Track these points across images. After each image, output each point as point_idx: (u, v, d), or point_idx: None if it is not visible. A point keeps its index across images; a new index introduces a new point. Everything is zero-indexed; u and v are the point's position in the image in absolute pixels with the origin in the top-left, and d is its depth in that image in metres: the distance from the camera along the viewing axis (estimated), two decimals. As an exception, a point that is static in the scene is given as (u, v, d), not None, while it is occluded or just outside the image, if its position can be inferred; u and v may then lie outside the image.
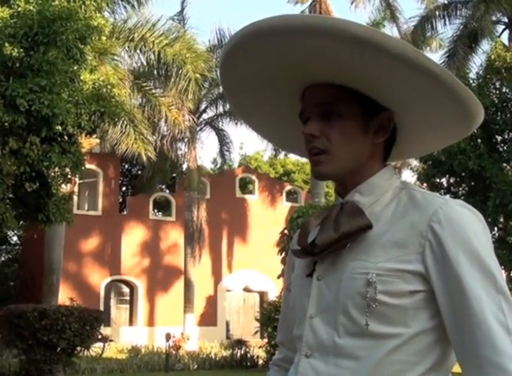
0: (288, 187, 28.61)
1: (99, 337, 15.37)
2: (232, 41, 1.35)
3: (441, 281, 1.25)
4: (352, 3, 22.57)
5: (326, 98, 1.37)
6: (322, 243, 1.33)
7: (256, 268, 25.99)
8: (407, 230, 1.29)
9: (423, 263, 1.26)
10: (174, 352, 17.15)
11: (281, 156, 30.42)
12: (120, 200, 26.87)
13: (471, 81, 14.54)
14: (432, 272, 1.26)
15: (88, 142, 17.23)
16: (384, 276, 1.26)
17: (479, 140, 14.31)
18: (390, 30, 23.10)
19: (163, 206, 27.83)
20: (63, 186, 12.00)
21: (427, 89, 1.30)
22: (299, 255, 1.42)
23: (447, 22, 20.64)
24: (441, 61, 19.68)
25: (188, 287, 22.13)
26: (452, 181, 15.11)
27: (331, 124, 1.36)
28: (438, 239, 1.26)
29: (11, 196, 10.71)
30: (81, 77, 10.89)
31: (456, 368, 1.29)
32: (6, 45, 9.63)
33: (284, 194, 27.80)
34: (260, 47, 1.32)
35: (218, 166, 26.85)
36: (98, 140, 19.42)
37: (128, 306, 24.53)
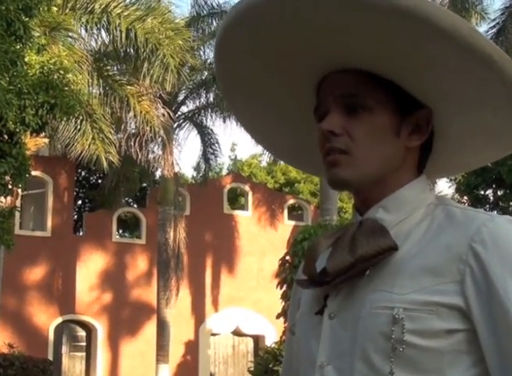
0: (291, 201, 28.62)
1: (47, 394, 15.32)
2: (236, 10, 1.36)
3: (484, 318, 1.26)
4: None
5: (350, 87, 1.38)
6: (334, 268, 1.33)
7: (249, 305, 25.94)
8: (442, 253, 1.29)
9: (463, 295, 1.27)
10: (143, 413, 17.10)
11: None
12: (75, 217, 26.82)
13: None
14: (474, 307, 1.26)
15: (34, 143, 17.23)
16: (413, 311, 1.26)
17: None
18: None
19: (130, 225, 27.74)
20: (2, 199, 11.99)
21: (479, 80, 1.32)
22: (305, 286, 1.43)
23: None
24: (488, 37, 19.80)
25: (161, 329, 22.06)
26: (500, 193, 15.15)
27: (356, 120, 1.37)
28: (481, 264, 1.27)
29: None
30: (26, 59, 10.91)
31: None
32: None
33: (286, 210, 27.81)
34: (267, 17, 1.33)
35: (201, 174, 26.86)
36: (47, 140, 19.42)
37: (83, 354, 24.43)
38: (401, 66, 1.34)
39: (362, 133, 1.36)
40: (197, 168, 35.24)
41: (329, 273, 1.34)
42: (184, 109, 24.52)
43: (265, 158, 35.43)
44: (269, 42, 1.39)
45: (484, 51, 1.27)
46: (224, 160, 44.40)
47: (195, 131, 24.58)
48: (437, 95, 1.38)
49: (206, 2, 23.05)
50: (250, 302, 25.94)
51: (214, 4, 22.97)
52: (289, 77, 1.45)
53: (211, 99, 23.75)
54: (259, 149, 45.50)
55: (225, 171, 35.47)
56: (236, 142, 55.73)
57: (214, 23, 22.52)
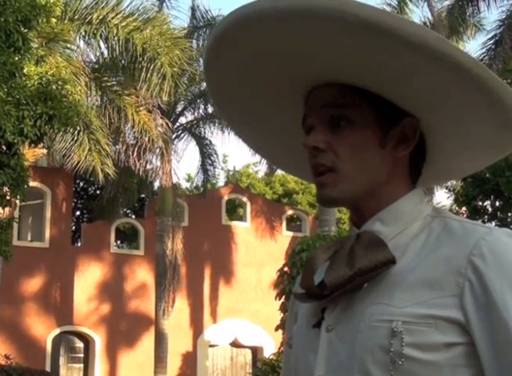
0: (289, 212, 28.62)
1: (45, 405, 15.27)
2: (219, 30, 1.38)
3: (483, 331, 1.26)
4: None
5: (333, 98, 1.39)
6: (332, 282, 1.33)
7: (247, 317, 25.89)
8: (441, 266, 1.29)
9: (462, 308, 1.27)
10: (141, 425, 17.04)
11: (279, 171, 30.44)
12: (74, 228, 26.79)
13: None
14: (473, 321, 1.26)
15: (32, 154, 17.25)
16: (412, 325, 1.26)
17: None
18: (420, 12, 23.27)
19: (128, 236, 27.70)
20: (0, 209, 11.98)
21: (456, 87, 1.33)
22: (303, 299, 1.43)
23: (492, 1, 20.80)
24: (484, 51, 19.78)
25: (159, 341, 22.00)
26: (498, 204, 15.15)
27: (340, 134, 1.38)
28: (480, 277, 1.27)
29: None
30: (24, 71, 10.92)
31: None
32: None
33: (284, 221, 27.79)
34: (250, 36, 1.35)
35: (195, 184, 26.83)
36: (45, 151, 19.42)
37: (81, 366, 24.36)
38: (378, 77, 1.35)
39: (347, 149, 1.37)
40: (189, 180, 35.28)
41: (327, 287, 1.34)
42: (182, 120, 24.57)
43: (262, 168, 35.39)
44: (253, 59, 1.40)
45: (455, 59, 1.28)
46: (218, 172, 44.41)
47: (193, 142, 24.62)
48: (419, 105, 1.39)
49: (203, 16, 23.19)
50: (248, 314, 25.90)
51: (209, 17, 23.13)
52: (276, 90, 1.47)
53: (210, 110, 23.79)
54: (252, 159, 45.46)
55: (219, 183, 35.45)
56: (226, 153, 55.65)
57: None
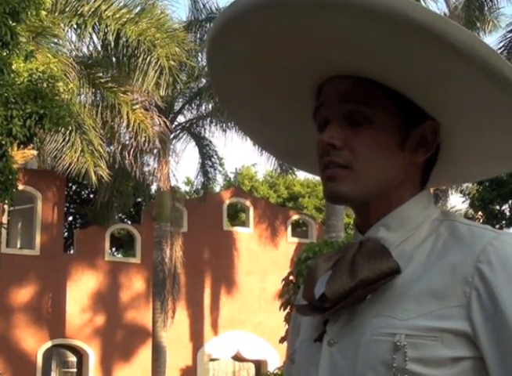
0: (295, 217, 28.61)
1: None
2: (231, 10, 1.35)
3: (492, 344, 1.25)
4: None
5: (352, 93, 1.37)
6: (333, 294, 1.33)
7: (250, 328, 25.88)
8: (447, 275, 1.29)
9: (469, 320, 1.26)
10: None
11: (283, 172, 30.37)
12: (66, 234, 26.81)
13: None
14: (481, 333, 1.25)
15: (21, 156, 17.26)
16: (416, 338, 1.26)
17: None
18: (435, 5, 23.30)
19: (124, 242, 27.71)
20: (-13, 215, 12.01)
21: (495, 99, 1.33)
22: (304, 312, 1.43)
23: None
24: (502, 45, 19.78)
25: (157, 354, 22.00)
26: (517, 208, 15.12)
27: (358, 132, 1.36)
28: (487, 286, 1.26)
29: None
30: (13, 67, 10.94)
31: None
32: None
33: (289, 226, 27.79)
34: (269, 21, 1.33)
35: (195, 188, 26.76)
36: (35, 152, 19.45)
37: (74, 381, 24.39)
38: (410, 77, 1.34)
39: (365, 147, 1.36)
40: (189, 183, 35.24)
41: (328, 299, 1.34)
42: (181, 118, 24.54)
43: (267, 169, 35.33)
44: (265, 47, 1.39)
45: (502, 72, 1.28)
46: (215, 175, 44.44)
47: (192, 143, 24.59)
48: (446, 110, 1.38)
49: (204, 6, 23.17)
50: (251, 325, 25.88)
51: (213, 8, 23.06)
52: (287, 81, 1.46)
53: (210, 108, 23.76)
54: (250, 160, 45.29)
55: (217, 187, 35.44)
56: (224, 156, 55.63)
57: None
